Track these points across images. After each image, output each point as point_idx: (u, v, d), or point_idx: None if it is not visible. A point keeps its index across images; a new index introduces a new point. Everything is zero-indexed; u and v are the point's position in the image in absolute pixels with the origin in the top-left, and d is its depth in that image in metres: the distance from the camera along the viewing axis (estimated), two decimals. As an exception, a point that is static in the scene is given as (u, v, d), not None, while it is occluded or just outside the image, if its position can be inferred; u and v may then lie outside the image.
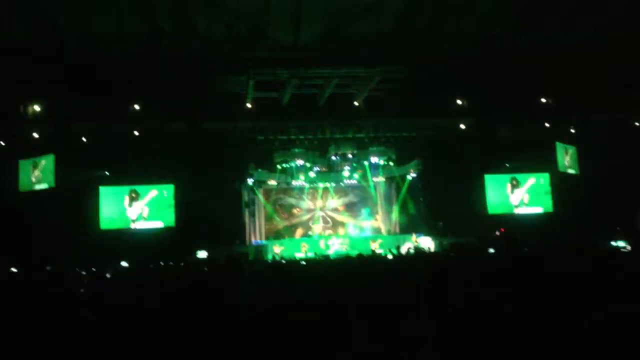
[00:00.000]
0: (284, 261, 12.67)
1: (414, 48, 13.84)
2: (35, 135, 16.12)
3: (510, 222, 17.64)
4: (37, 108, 15.37)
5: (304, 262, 10.82)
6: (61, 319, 3.39)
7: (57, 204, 15.23)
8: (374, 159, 19.79)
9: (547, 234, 15.74)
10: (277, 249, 18.52)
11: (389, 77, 16.00)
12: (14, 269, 8.75)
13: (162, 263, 10.46)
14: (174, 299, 3.81)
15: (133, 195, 17.08)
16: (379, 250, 17.62)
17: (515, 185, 18.61)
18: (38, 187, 16.20)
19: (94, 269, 8.61)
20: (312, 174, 20.07)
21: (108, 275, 7.38)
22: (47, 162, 16.12)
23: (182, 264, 10.74)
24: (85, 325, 3.27)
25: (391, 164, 19.97)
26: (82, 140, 16.57)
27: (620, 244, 11.49)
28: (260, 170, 19.78)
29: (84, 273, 7.87)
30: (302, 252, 18.32)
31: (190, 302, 3.61)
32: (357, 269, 5.74)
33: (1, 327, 3.11)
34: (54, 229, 14.39)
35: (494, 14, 13.10)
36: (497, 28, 13.69)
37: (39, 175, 16.28)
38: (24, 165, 16.43)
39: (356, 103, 17.10)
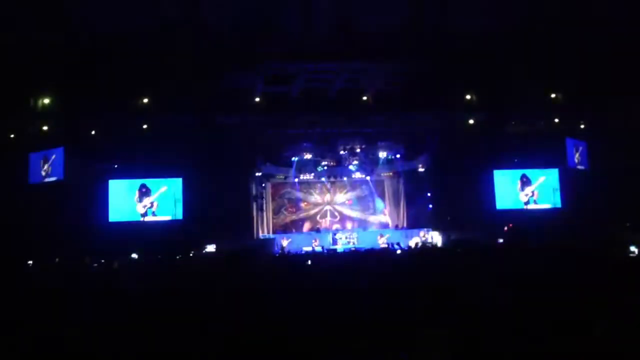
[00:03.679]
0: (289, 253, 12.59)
1: (425, 42, 13.76)
2: (45, 128, 16.23)
3: (519, 217, 17.55)
4: (47, 102, 15.47)
5: (309, 262, 10.61)
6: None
7: (66, 197, 15.36)
8: (383, 154, 19.75)
9: (555, 230, 15.64)
10: (284, 242, 18.56)
11: (398, 72, 15.93)
12: (29, 262, 8.83)
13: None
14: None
15: (143, 190, 17.15)
16: (386, 245, 17.60)
17: (526, 182, 18.48)
18: (48, 179, 16.32)
19: (102, 260, 8.67)
20: (320, 168, 20.06)
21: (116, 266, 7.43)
22: (57, 155, 16.22)
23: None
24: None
25: (399, 157, 19.93)
26: (92, 134, 16.66)
27: (632, 248, 11.15)
28: (268, 163, 19.78)
29: (95, 265, 7.93)
30: (312, 247, 18.32)
31: None
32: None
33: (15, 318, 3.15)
34: (64, 220, 14.52)
35: (505, 8, 12.98)
36: (508, 23, 13.58)
37: (48, 168, 16.39)
38: (34, 158, 16.55)
39: (365, 97, 17.05)
